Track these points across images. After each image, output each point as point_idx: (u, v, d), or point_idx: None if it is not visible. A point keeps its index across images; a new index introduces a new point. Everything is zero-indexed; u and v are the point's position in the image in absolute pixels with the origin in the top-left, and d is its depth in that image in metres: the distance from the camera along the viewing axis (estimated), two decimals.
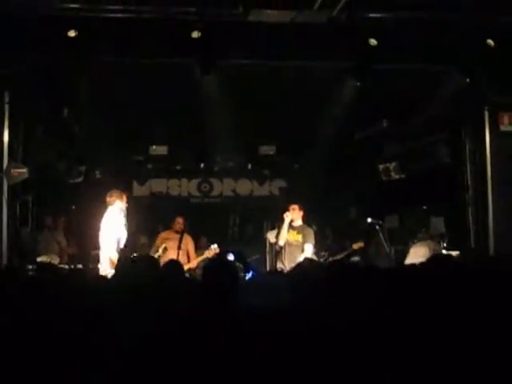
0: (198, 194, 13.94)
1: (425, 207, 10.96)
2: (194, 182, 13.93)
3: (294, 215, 9.16)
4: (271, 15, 8.00)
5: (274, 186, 14.02)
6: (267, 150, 12.87)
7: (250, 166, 13.55)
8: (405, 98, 9.98)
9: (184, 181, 13.88)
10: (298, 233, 9.16)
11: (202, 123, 11.02)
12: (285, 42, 8.54)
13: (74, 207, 10.85)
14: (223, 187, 13.93)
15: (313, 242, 9.06)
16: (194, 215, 12.19)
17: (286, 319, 3.18)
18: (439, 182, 10.53)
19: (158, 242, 9.84)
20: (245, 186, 13.88)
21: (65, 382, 2.74)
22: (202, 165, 13.47)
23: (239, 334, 2.99)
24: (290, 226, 9.14)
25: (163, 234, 10.11)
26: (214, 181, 13.95)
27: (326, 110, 10.52)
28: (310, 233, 9.16)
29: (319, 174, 12.61)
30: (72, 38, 8.07)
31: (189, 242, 9.97)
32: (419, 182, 10.92)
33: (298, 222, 9.21)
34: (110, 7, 7.87)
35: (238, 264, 9.77)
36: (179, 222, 9.97)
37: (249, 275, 9.60)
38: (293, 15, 8.00)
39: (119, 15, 7.94)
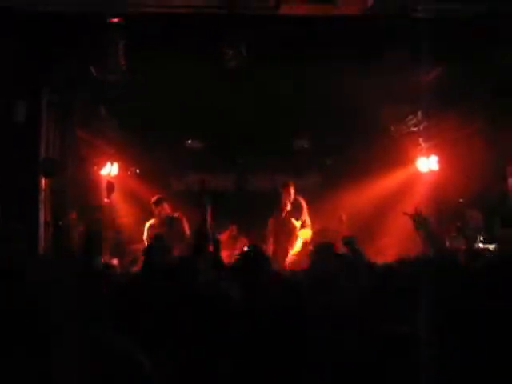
0: (234, 188, 13.96)
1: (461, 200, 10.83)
2: (231, 176, 13.96)
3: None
4: (302, 8, 7.97)
5: (310, 180, 13.96)
6: (301, 143, 12.85)
7: (285, 160, 13.51)
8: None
9: (220, 175, 13.91)
10: None
11: (238, 117, 11.05)
12: (317, 35, 8.48)
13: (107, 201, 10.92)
14: (259, 181, 13.91)
15: None
16: (230, 210, 12.24)
17: None
18: None
19: None
20: (281, 180, 13.81)
21: None
22: (238, 159, 13.50)
23: None
24: None
25: None
26: (251, 175, 13.95)
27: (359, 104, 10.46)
28: None
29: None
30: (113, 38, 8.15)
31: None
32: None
33: None
34: (141, 2, 7.93)
35: None
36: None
37: None
38: (325, 8, 7.96)
39: (151, 10, 7.98)
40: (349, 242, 5.66)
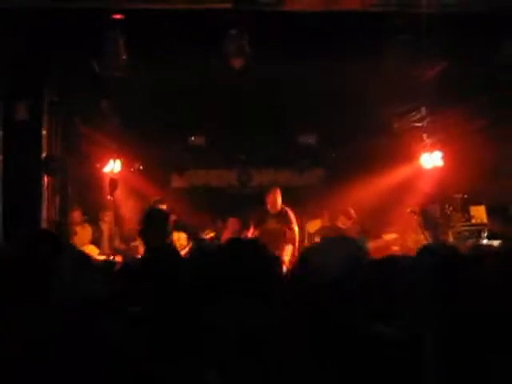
0: (237, 184, 13.94)
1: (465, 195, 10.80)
2: (233, 172, 13.93)
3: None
4: (306, 3, 7.90)
5: (314, 176, 13.94)
6: (306, 139, 12.79)
7: (289, 156, 13.48)
8: None
9: (223, 171, 13.89)
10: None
11: (241, 113, 11.01)
12: (322, 31, 8.43)
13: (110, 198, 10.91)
14: (262, 177, 13.88)
15: None
16: (233, 206, 12.24)
17: None
18: None
19: None
20: (284, 176, 13.80)
21: None
22: (241, 155, 13.47)
23: None
24: None
25: None
26: (253, 171, 13.92)
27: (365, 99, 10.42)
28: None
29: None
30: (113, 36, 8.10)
31: None
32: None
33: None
34: None
35: None
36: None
37: None
38: (329, 3, 7.89)
39: (157, 6, 7.93)
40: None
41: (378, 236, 10.56)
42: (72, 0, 7.78)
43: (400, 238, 10.50)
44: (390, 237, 10.31)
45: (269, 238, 9.37)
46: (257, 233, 9.97)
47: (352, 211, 10.51)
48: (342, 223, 10.38)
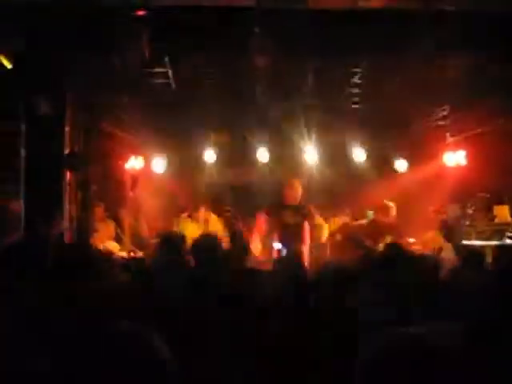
0: (257, 181, 13.87)
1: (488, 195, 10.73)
2: (255, 169, 13.86)
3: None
4: (331, 1, 7.87)
5: (335, 172, 13.85)
6: (326, 136, 12.70)
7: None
8: None
9: (245, 168, 13.84)
10: None
11: (260, 111, 11.00)
12: (347, 28, 8.38)
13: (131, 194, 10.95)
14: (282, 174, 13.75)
15: None
16: (254, 202, 12.21)
17: None
18: None
19: None
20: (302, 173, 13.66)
21: None
22: (263, 152, 13.40)
23: None
24: None
25: None
26: (274, 167, 13.84)
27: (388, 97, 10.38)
28: None
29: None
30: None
31: None
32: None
33: None
34: None
35: None
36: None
37: None
38: (353, 1, 7.85)
39: (176, 2, 7.92)
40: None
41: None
42: None
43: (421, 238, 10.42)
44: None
45: (286, 231, 9.26)
46: (272, 224, 9.60)
47: (391, 206, 10.34)
48: (382, 218, 10.24)
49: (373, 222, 10.47)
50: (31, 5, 7.55)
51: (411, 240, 10.25)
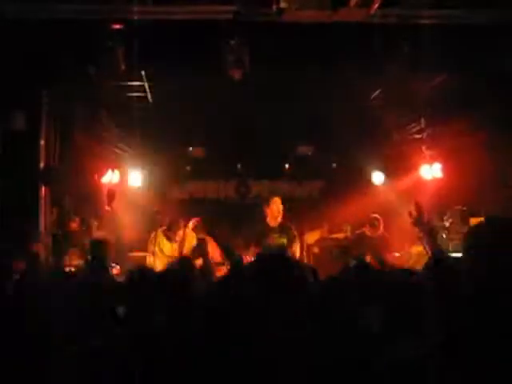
0: (235, 195, 13.85)
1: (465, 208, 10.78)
2: (232, 183, 13.85)
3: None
4: (305, 15, 7.87)
5: (313, 187, 13.87)
6: (305, 150, 12.74)
7: (287, 167, 13.41)
8: None
9: (221, 182, 13.83)
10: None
11: (239, 124, 10.99)
12: (320, 42, 8.41)
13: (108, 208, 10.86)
14: (261, 189, 13.76)
15: None
16: (231, 217, 12.18)
17: None
18: None
19: None
20: (283, 188, 13.67)
21: None
22: (239, 166, 13.39)
23: None
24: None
25: None
26: (252, 182, 13.83)
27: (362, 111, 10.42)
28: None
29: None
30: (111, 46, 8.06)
31: None
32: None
33: None
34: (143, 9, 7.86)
35: None
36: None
37: None
38: (328, 14, 7.86)
39: (152, 16, 7.92)
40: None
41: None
42: (68, 11, 7.78)
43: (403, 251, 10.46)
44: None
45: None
46: (258, 251, 9.38)
47: (379, 219, 10.36)
48: (370, 232, 10.29)
49: (361, 235, 10.48)
50: (3, 19, 7.50)
51: (397, 254, 10.28)
